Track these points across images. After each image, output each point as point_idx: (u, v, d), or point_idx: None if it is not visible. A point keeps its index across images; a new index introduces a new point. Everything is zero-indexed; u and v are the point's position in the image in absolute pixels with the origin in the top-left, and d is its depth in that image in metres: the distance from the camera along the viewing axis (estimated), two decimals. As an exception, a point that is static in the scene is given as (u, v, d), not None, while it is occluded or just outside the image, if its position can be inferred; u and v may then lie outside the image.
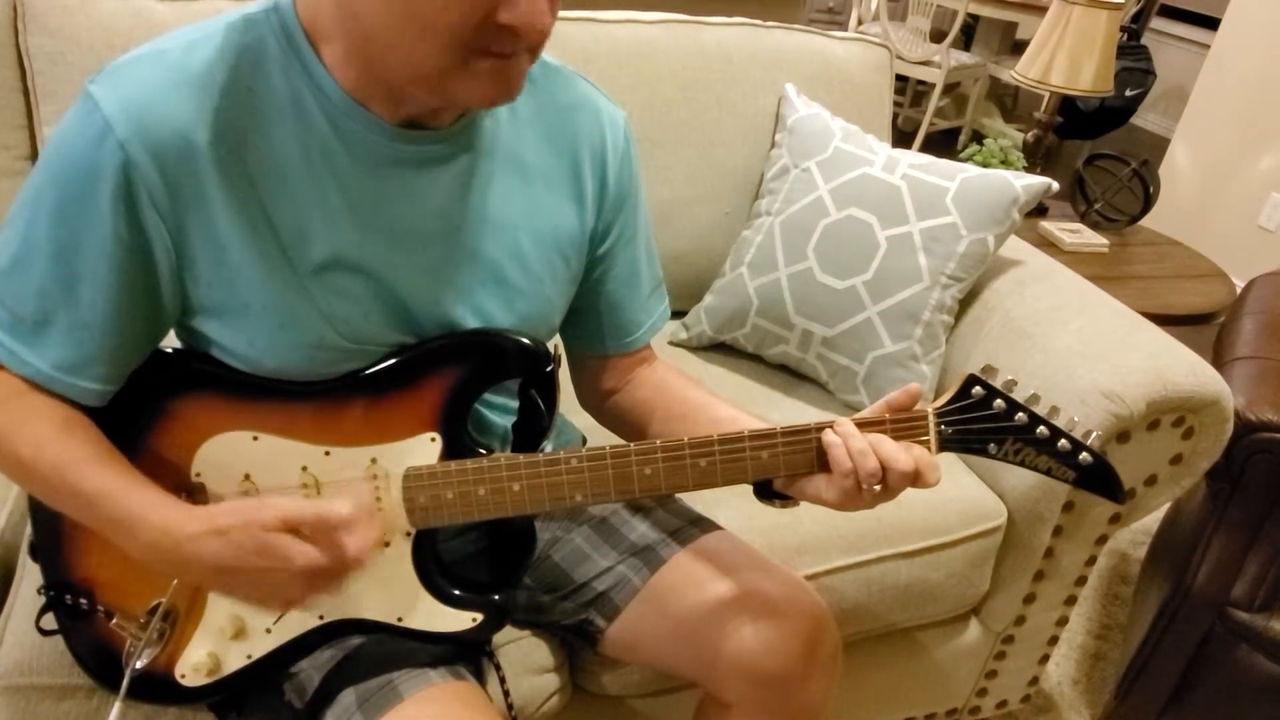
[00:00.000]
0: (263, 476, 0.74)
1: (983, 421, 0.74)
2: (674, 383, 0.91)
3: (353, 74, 0.67)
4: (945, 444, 0.75)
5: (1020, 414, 0.74)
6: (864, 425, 0.74)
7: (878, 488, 0.72)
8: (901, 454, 0.71)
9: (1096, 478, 0.75)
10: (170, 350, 0.74)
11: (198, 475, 0.74)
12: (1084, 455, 0.74)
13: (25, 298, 0.67)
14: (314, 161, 0.69)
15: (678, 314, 1.45)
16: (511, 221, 0.78)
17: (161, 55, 0.66)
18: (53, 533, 0.76)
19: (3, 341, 0.68)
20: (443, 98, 0.65)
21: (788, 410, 1.32)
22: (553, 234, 0.80)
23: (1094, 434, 0.75)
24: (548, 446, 0.96)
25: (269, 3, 0.68)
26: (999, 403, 0.74)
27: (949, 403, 0.75)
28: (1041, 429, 0.74)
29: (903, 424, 0.74)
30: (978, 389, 0.74)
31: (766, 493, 0.80)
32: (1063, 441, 0.74)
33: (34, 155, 1.15)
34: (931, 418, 0.74)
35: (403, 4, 0.59)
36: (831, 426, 0.74)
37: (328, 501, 0.68)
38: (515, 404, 0.81)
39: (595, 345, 0.91)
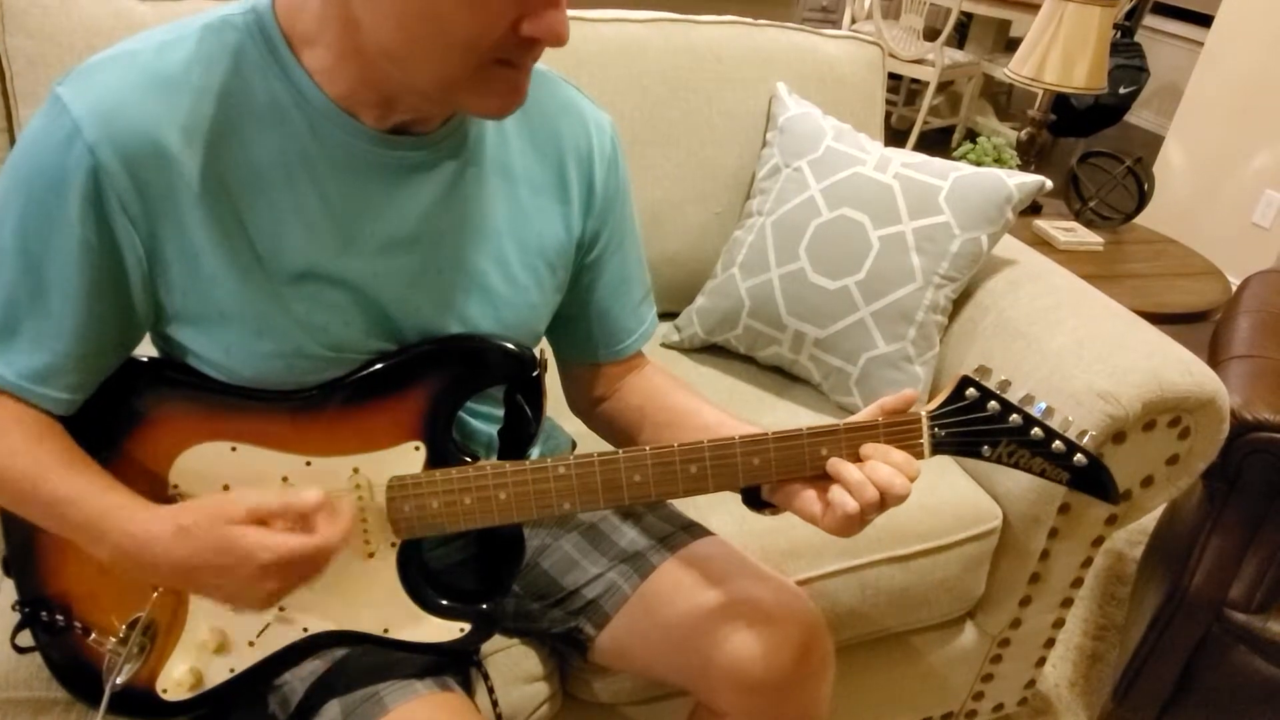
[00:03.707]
0: (242, 488, 0.73)
1: (976, 424, 0.73)
2: (662, 388, 0.90)
3: (342, 81, 0.65)
4: (938, 447, 0.74)
5: (1014, 415, 0.73)
6: (856, 430, 0.72)
7: (873, 515, 0.71)
8: (896, 479, 0.70)
9: (1091, 479, 0.74)
10: (145, 359, 0.72)
11: (175, 487, 0.73)
12: (1078, 456, 0.73)
13: None
14: (292, 168, 0.67)
15: (670, 316, 1.44)
16: (496, 229, 0.76)
17: (132, 56, 0.64)
18: (26, 547, 0.75)
19: None
20: (450, 108, 0.64)
21: (781, 412, 1.31)
22: (538, 241, 0.79)
23: (1089, 434, 0.74)
24: (535, 453, 0.94)
25: (246, 5, 0.67)
26: (993, 404, 0.73)
27: (942, 405, 0.73)
28: (1036, 430, 0.73)
29: (896, 428, 0.73)
30: (971, 390, 0.73)
31: (755, 501, 0.79)
32: (1057, 443, 0.73)
33: (14, 159, 1.14)
34: (925, 421, 0.73)
35: (426, 20, 0.58)
36: (827, 437, 0.72)
37: (296, 489, 0.67)
38: (500, 411, 0.80)
39: (585, 353, 0.90)
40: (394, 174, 0.70)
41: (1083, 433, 0.74)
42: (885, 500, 0.70)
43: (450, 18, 0.58)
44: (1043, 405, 0.73)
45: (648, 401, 0.89)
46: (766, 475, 0.74)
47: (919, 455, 0.73)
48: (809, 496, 0.74)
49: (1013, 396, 0.73)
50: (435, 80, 0.62)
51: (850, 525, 0.71)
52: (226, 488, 0.73)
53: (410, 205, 0.71)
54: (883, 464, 0.71)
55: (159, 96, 0.63)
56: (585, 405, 0.94)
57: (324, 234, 0.69)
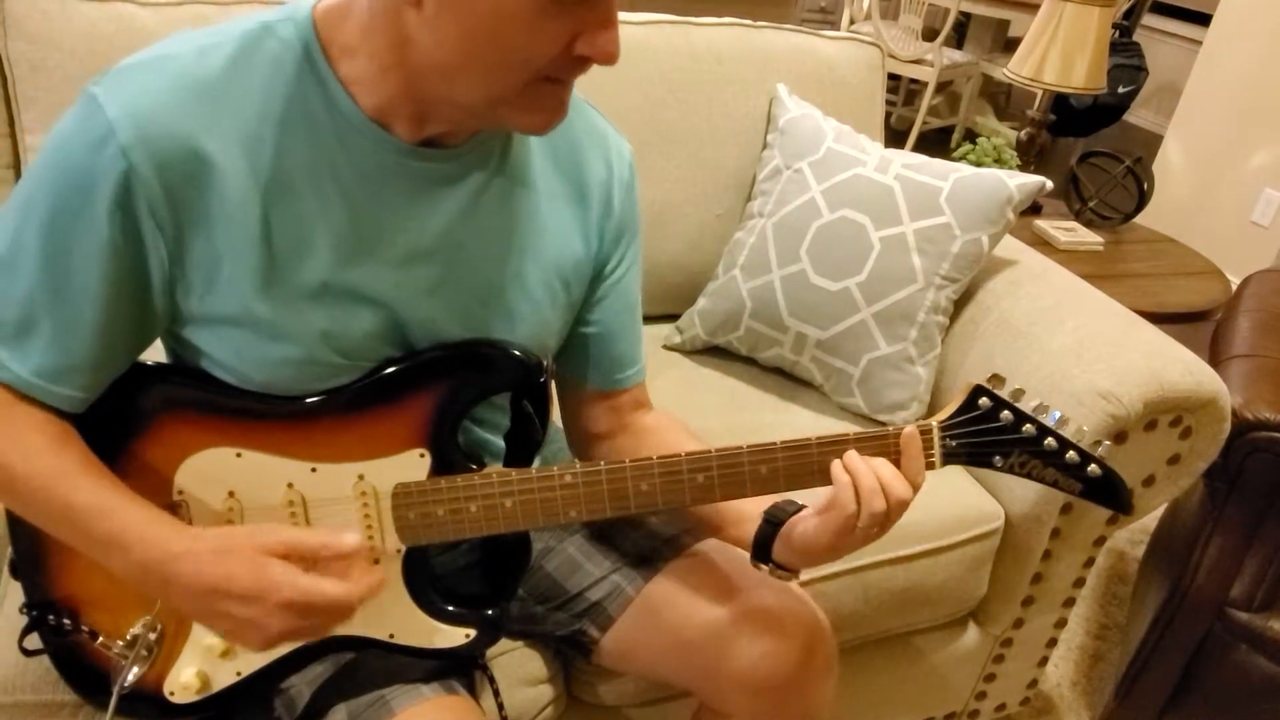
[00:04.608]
0: (247, 494, 0.73)
1: (989, 434, 0.73)
2: (673, 443, 0.86)
3: (380, 93, 0.66)
4: (949, 457, 0.74)
5: (1028, 425, 0.72)
6: (866, 440, 0.72)
7: (875, 530, 0.71)
8: (899, 483, 0.70)
9: (1104, 490, 0.74)
10: (151, 365, 0.72)
11: (180, 493, 0.73)
12: (1092, 467, 0.73)
13: (8, 303, 0.65)
14: (320, 177, 0.67)
15: (671, 317, 1.44)
16: (515, 244, 0.76)
17: (170, 60, 0.64)
18: (33, 551, 0.75)
19: None
20: (491, 123, 0.65)
21: (782, 414, 1.31)
22: (556, 259, 0.79)
23: (1103, 443, 0.74)
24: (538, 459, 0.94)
25: (285, 13, 0.67)
26: (1006, 414, 0.72)
27: (954, 415, 0.73)
28: (1049, 441, 0.72)
29: None
30: (984, 400, 0.72)
31: (764, 557, 0.79)
32: (1070, 454, 0.72)
33: (16, 163, 1.13)
34: (936, 431, 0.73)
35: (485, 36, 0.59)
36: (840, 454, 0.72)
37: (335, 533, 0.67)
38: (505, 422, 0.80)
39: (591, 378, 0.89)
40: (420, 185, 0.70)
41: (1096, 443, 0.73)
42: (890, 512, 0.70)
43: (511, 38, 0.59)
44: (1056, 414, 0.73)
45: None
46: (774, 485, 0.74)
47: (930, 466, 0.73)
48: (807, 521, 0.74)
49: (1026, 405, 0.73)
50: (484, 96, 0.63)
51: (847, 532, 0.71)
52: (232, 494, 0.73)
53: (433, 217, 0.72)
54: (890, 468, 0.71)
55: (194, 102, 0.63)
56: (587, 440, 0.93)
57: (347, 244, 0.69)
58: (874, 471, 0.70)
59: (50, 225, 0.63)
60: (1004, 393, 0.73)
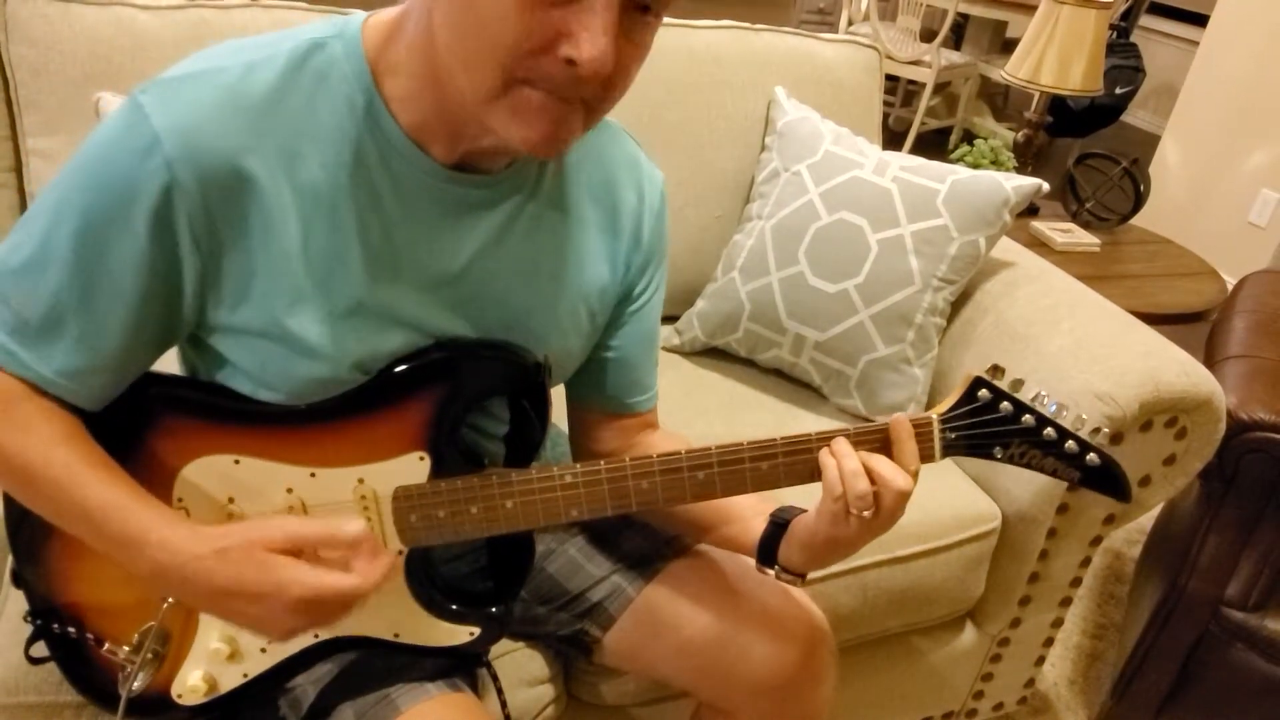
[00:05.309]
0: (246, 500, 0.73)
1: (989, 425, 0.73)
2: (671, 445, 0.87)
3: (417, 110, 0.66)
4: (949, 449, 0.74)
5: (1027, 416, 0.72)
6: (865, 434, 0.73)
7: (867, 514, 0.70)
8: (898, 475, 0.70)
9: (1103, 478, 0.74)
10: (149, 374, 0.72)
11: (179, 500, 0.72)
12: (1090, 456, 0.73)
13: (34, 302, 0.64)
14: (359, 196, 0.67)
15: (670, 319, 1.44)
16: (544, 270, 0.77)
17: (219, 74, 0.63)
18: (33, 559, 0.75)
19: (2, 343, 0.65)
20: (484, 127, 0.63)
21: (781, 415, 1.32)
22: (583, 287, 0.80)
23: (1102, 430, 0.74)
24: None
25: (335, 29, 0.67)
26: (1005, 405, 0.73)
27: (953, 407, 0.73)
28: (1049, 431, 0.72)
29: None
30: (984, 392, 0.73)
31: (770, 560, 0.79)
32: (1070, 443, 0.73)
33: (18, 167, 1.14)
34: (935, 424, 0.73)
35: (468, 17, 0.57)
36: (829, 443, 0.72)
37: (339, 521, 0.66)
38: (504, 429, 0.80)
39: (605, 401, 0.89)
40: (454, 209, 0.70)
41: (1095, 430, 0.74)
42: (882, 495, 0.70)
43: (489, 18, 0.56)
44: (1054, 404, 0.73)
45: None
46: (775, 481, 0.74)
47: (929, 458, 0.74)
48: (807, 515, 0.75)
49: (1024, 395, 0.73)
50: (470, 91, 0.60)
51: (840, 519, 0.71)
52: (231, 500, 0.73)
53: (464, 242, 0.72)
54: (884, 459, 0.71)
55: (241, 119, 0.63)
56: (592, 457, 0.91)
57: (380, 264, 0.69)
58: (861, 458, 0.71)
59: (85, 230, 0.63)
60: (1003, 384, 0.73)
